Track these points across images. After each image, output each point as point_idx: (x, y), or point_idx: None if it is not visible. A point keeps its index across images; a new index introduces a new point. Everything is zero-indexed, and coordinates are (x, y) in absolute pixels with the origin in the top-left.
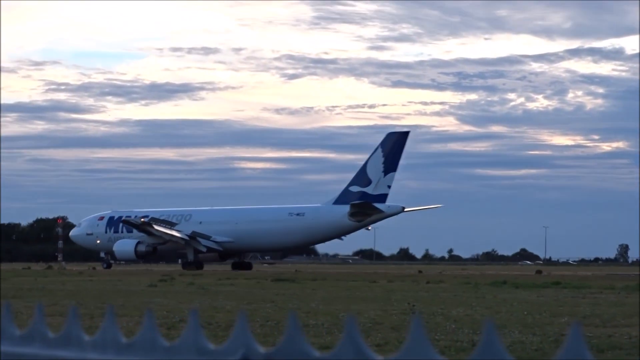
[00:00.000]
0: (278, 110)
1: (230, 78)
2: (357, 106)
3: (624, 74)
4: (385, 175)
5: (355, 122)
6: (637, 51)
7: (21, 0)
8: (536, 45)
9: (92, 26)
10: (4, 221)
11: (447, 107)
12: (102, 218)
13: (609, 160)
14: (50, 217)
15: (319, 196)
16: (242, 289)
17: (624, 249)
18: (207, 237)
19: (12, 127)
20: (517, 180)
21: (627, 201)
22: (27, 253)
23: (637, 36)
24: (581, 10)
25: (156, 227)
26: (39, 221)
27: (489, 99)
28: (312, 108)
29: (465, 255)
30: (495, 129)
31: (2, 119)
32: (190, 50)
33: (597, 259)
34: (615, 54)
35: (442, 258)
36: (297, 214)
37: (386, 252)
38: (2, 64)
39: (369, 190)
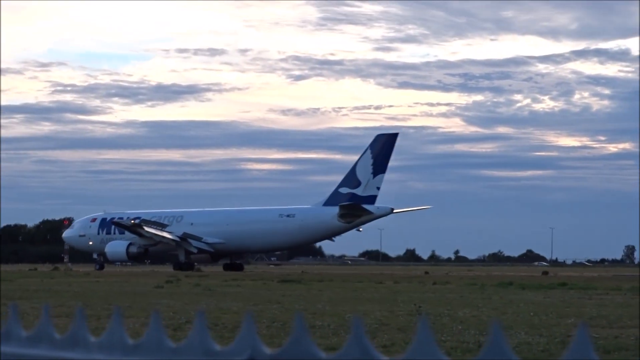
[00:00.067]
0: (284, 112)
1: (236, 79)
2: (363, 107)
3: (630, 75)
4: (374, 176)
5: (361, 123)
6: None
7: (27, 1)
8: (542, 47)
9: (98, 27)
10: (10, 222)
11: (453, 108)
12: (94, 220)
13: (615, 162)
14: (57, 218)
15: (324, 197)
16: (248, 290)
17: (630, 250)
18: (198, 239)
19: (19, 128)
20: (523, 182)
21: (633, 202)
22: (34, 254)
23: None
24: (587, 11)
25: (146, 228)
26: (45, 222)
27: (495, 100)
28: (318, 109)
29: (471, 256)
30: (502, 130)
31: (8, 120)
32: (196, 52)
33: (603, 260)
34: (622, 55)
35: (449, 259)
36: (287, 215)
37: (392, 253)
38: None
39: (358, 191)
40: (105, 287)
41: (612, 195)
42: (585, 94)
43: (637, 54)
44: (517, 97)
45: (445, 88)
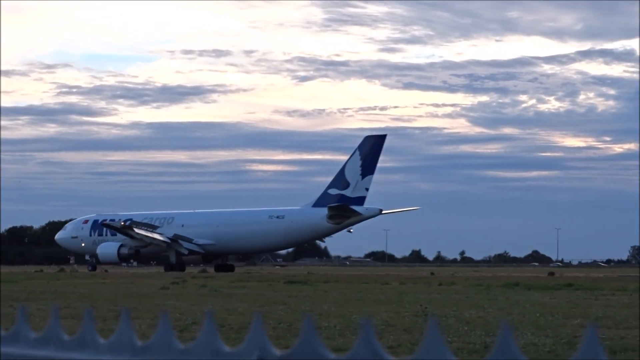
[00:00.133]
0: (289, 113)
1: (241, 80)
2: (369, 108)
3: (635, 75)
4: (363, 178)
5: (366, 124)
6: None
7: (33, 1)
8: (547, 47)
9: (103, 29)
10: (16, 224)
11: (458, 109)
12: (86, 221)
13: (620, 162)
14: (63, 219)
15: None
16: (254, 291)
17: (636, 250)
18: (189, 240)
19: (24, 130)
20: (529, 182)
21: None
22: (39, 256)
23: None
24: (592, 11)
25: (137, 230)
26: (51, 224)
27: (500, 100)
28: (323, 110)
29: (477, 257)
30: (507, 130)
31: (14, 122)
32: (201, 53)
33: (609, 261)
34: (627, 56)
35: (454, 260)
36: (277, 217)
37: (398, 254)
38: (14, 67)
39: (347, 192)
40: (111, 289)
41: (618, 196)
42: (591, 95)
43: None
44: (523, 97)
45: (451, 89)
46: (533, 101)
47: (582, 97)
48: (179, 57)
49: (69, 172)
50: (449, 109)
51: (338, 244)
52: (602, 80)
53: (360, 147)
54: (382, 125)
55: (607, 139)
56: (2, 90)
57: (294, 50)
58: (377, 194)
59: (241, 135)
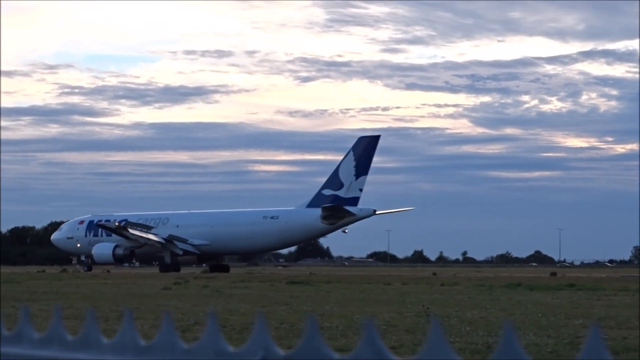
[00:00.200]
0: (292, 113)
1: (243, 81)
2: (371, 109)
3: (637, 75)
4: (357, 178)
5: (369, 124)
6: None
7: (34, 1)
8: (549, 47)
9: (106, 29)
10: (18, 224)
11: (460, 109)
12: (82, 222)
13: (622, 162)
14: (65, 220)
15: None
16: (256, 292)
17: (639, 250)
18: (184, 241)
19: (27, 130)
20: (531, 183)
21: None
22: (42, 256)
23: None
24: (594, 12)
25: (131, 230)
26: (53, 224)
27: (502, 101)
28: (325, 111)
29: (479, 257)
30: (509, 131)
31: (16, 122)
32: (203, 53)
33: (611, 261)
34: (629, 56)
35: (457, 260)
36: (272, 217)
37: (400, 255)
38: (16, 68)
39: (341, 193)
40: (113, 289)
41: (620, 196)
42: (593, 95)
43: None
44: (525, 98)
45: (453, 89)
46: (535, 101)
47: (584, 97)
48: (181, 57)
49: (71, 173)
50: (451, 110)
51: (340, 245)
52: (604, 81)
53: (354, 147)
54: (384, 125)
55: (610, 139)
56: (4, 90)
57: (296, 51)
58: (378, 194)
59: (243, 135)
